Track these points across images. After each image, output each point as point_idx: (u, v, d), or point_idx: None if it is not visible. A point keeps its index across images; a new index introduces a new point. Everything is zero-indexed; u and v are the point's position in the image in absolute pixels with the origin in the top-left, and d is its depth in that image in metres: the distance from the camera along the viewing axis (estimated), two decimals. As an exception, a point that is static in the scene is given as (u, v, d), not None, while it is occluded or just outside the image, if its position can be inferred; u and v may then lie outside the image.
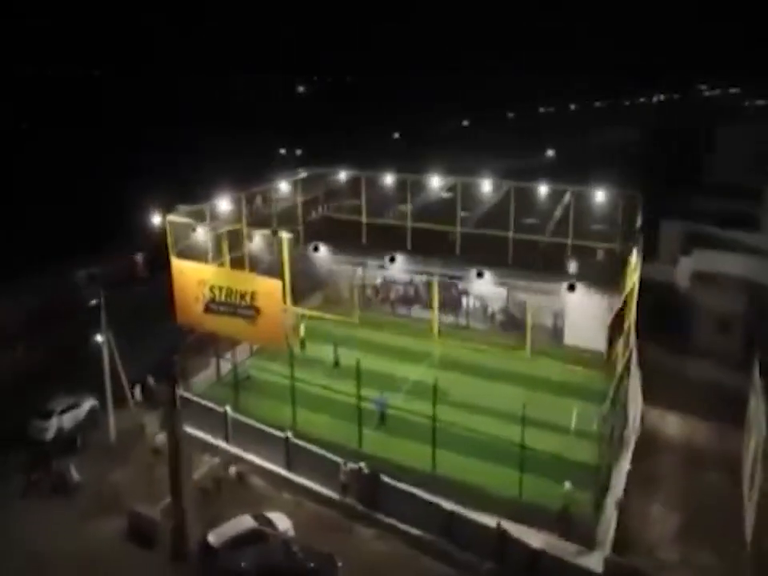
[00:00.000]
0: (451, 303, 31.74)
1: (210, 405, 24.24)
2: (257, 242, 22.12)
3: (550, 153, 59.06)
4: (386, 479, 20.37)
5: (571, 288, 18.18)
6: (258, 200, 28.67)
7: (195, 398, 24.72)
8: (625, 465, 20.76)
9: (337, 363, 27.77)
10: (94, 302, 31.88)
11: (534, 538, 18.28)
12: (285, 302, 21.47)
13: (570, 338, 28.95)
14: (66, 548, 19.19)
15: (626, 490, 20.40)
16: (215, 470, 22.75)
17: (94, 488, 21.93)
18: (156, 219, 22.43)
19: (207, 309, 23.27)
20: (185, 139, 51.54)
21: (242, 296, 22.11)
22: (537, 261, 28.67)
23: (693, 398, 25.59)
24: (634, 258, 21.74)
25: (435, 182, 31.32)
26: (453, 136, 66.76)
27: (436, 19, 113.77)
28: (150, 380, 27.06)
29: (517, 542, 17.83)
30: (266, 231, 21.83)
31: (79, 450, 23.99)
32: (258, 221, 27.24)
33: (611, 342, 16.93)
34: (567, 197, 29.48)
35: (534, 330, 28.13)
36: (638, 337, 29.64)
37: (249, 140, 51.20)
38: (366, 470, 20.57)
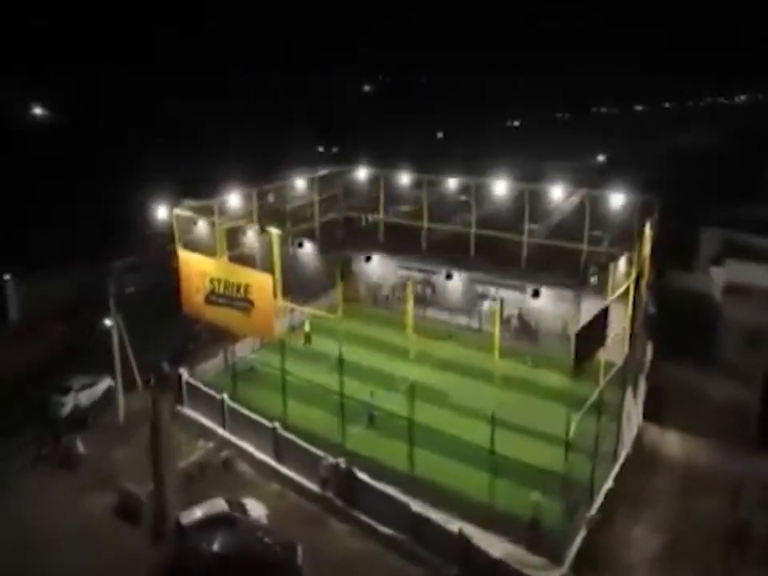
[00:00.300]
0: (468, 306, 31.32)
1: (211, 392, 25.13)
2: (250, 237, 22.73)
3: (601, 157, 56.83)
4: (362, 476, 20.46)
5: (536, 294, 17.46)
6: (271, 197, 29.31)
7: (199, 385, 25.74)
8: (608, 481, 19.83)
9: (341, 359, 28.03)
10: (130, 289, 34.09)
11: (498, 547, 17.89)
12: (276, 297, 21.79)
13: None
14: (61, 519, 20.43)
15: (609, 508, 19.53)
16: (208, 455, 23.53)
17: (97, 464, 23.22)
18: (163, 212, 23.43)
19: (207, 300, 24.10)
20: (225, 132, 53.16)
21: (238, 288, 22.78)
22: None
23: (706, 418, 24.12)
24: (623, 264, 20.73)
25: (453, 183, 30.93)
26: (504, 137, 65.44)
27: (497, 19, 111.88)
28: (165, 365, 28.36)
29: (478, 550, 17.45)
30: (256, 227, 22.33)
31: (90, 426, 25.51)
32: (270, 217, 27.90)
33: (581, 350, 16.16)
34: (573, 201, 28.36)
35: (546, 338, 27.38)
36: (657, 350, 28.40)
37: (288, 136, 52.31)
38: (343, 466, 20.72)
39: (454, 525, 18.42)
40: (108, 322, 24.05)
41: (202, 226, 23.76)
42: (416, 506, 19.11)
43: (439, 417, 23.91)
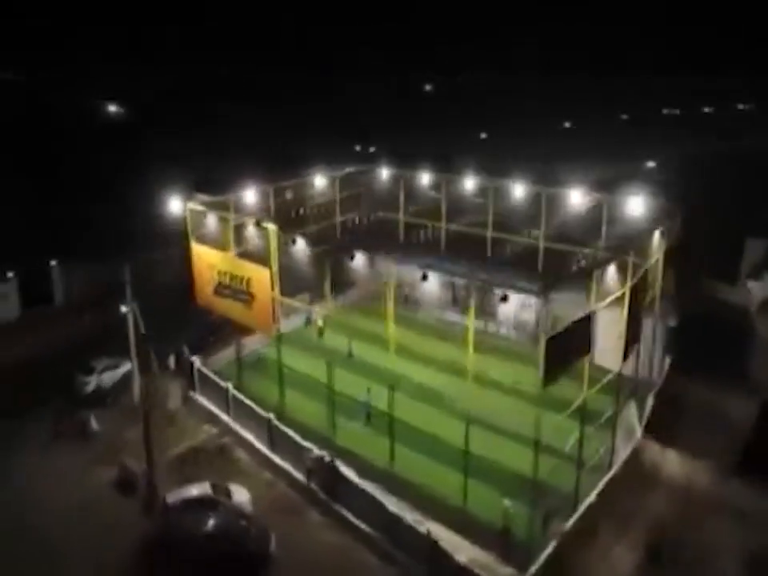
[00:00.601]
0: (489, 309, 30.80)
1: (218, 380, 26.01)
2: (251, 232, 23.34)
3: (650, 164, 54.15)
4: (344, 471, 20.68)
5: (504, 299, 16.92)
6: (288, 194, 29.87)
7: (208, 373, 26.69)
8: (591, 495, 19.10)
9: (350, 354, 28.40)
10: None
11: (469, 552, 17.67)
12: (273, 290, 22.29)
13: (599, 358, 26.87)
14: (67, 487, 21.73)
15: (593, 523, 18.84)
16: (208, 440, 24.40)
17: (108, 440, 24.56)
18: (177, 206, 24.43)
19: (216, 291, 24.98)
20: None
21: (241, 281, 23.49)
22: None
23: (716, 438, 22.74)
24: (612, 271, 19.84)
25: (469, 184, 30.48)
26: (549, 139, 63.47)
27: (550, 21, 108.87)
28: (185, 352, 29.57)
29: (445, 554, 17.28)
30: (258, 222, 22.83)
31: (109, 405, 27.00)
32: (286, 215, 28.55)
33: (553, 358, 15.57)
34: (588, 204, 27.28)
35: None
36: (679, 365, 27.03)
37: (326, 134, 53.00)
38: (327, 459, 20.99)
39: (426, 526, 18.35)
40: (124, 309, 25.31)
41: (212, 221, 24.58)
42: (392, 504, 19.13)
43: (432, 418, 23.87)
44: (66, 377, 27.42)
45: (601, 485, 19.50)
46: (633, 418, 22.82)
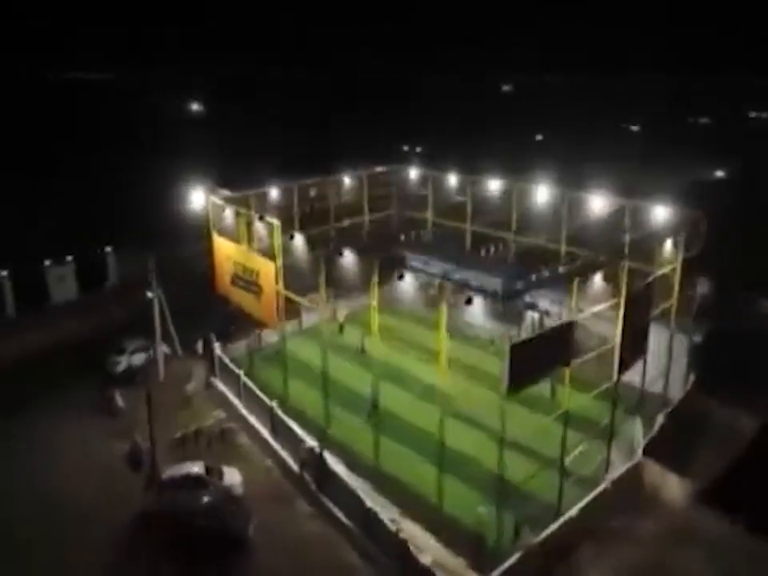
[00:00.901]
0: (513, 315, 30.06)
1: (233, 367, 27.01)
2: (259, 228, 23.96)
3: (720, 173, 50.43)
4: (332, 463, 20.96)
5: (468, 302, 16.34)
6: (312, 192, 30.39)
7: (226, 360, 27.76)
8: (574, 509, 18.30)
9: (363, 350, 28.62)
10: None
11: (440, 554, 17.48)
12: (277, 284, 22.89)
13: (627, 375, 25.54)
14: (85, 457, 23.43)
15: (573, 539, 18.08)
16: (215, 423, 25.39)
17: (130, 416, 26.14)
18: (200, 199, 25.56)
19: (232, 282, 25.94)
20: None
21: (251, 273, 24.29)
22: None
23: (725, 464, 21.09)
24: (598, 279, 18.81)
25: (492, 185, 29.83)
26: (619, 143, 60.45)
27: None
28: (212, 337, 30.88)
29: (411, 554, 17.17)
30: (261, 217, 23.41)
31: (137, 384, 28.65)
32: (309, 213, 29.16)
33: (518, 368, 15.00)
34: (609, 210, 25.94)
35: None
36: (704, 383, 25.28)
37: (374, 132, 53.16)
38: (317, 450, 21.34)
39: (399, 525, 18.32)
40: (150, 294, 26.80)
41: (230, 215, 25.55)
42: (370, 500, 19.21)
43: (431, 418, 23.58)
44: (101, 356, 29.43)
45: (587, 499, 18.60)
46: (637, 433, 21.62)
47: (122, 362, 29.44)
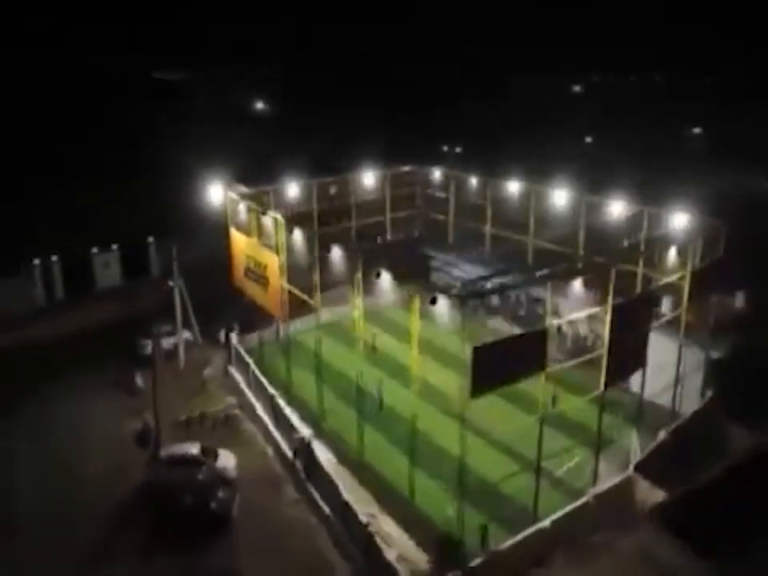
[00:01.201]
0: (529, 317, 29.61)
1: (245, 356, 28.02)
2: (267, 223, 24.58)
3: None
4: (319, 454, 21.44)
5: (432, 302, 16.04)
6: (332, 190, 30.87)
7: (240, 350, 28.81)
8: (550, 518, 17.89)
9: (374, 348, 28.94)
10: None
11: (410, 551, 17.59)
12: (280, 278, 23.57)
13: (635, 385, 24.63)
14: (100, 432, 25.01)
15: (547, 549, 17.71)
16: (223, 408, 26.42)
17: (148, 396, 27.63)
18: (218, 194, 26.65)
19: (245, 274, 26.90)
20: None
21: (260, 266, 25.12)
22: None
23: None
24: (578, 288, 18.10)
25: (513, 187, 29.32)
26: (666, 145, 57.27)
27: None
28: (235, 328, 32.09)
29: (377, 547, 17.39)
30: (264, 212, 24.03)
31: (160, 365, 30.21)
32: (327, 210, 29.76)
33: (481, 372, 14.79)
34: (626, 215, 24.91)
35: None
36: (723, 404, 23.96)
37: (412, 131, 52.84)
38: (306, 440, 21.89)
39: (374, 519, 18.55)
40: (170, 283, 28.22)
41: (242, 210, 26.48)
42: (350, 493, 19.53)
43: (429, 419, 23.59)
44: (131, 339, 31.25)
45: (564, 511, 18.13)
46: (633, 445, 20.83)
47: (149, 345, 31.06)
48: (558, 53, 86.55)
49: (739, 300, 30.24)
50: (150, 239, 40.96)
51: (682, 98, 70.05)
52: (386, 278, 17.69)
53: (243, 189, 27.18)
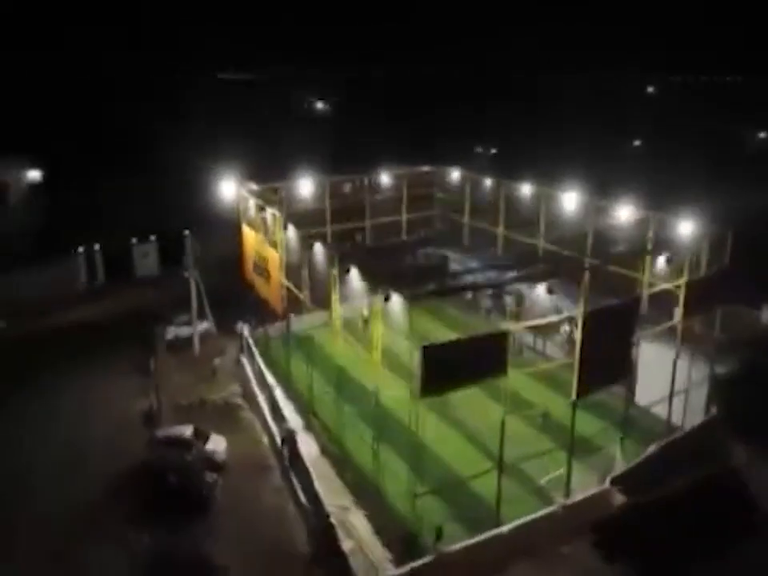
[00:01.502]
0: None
1: (253, 348, 28.94)
2: (268, 217, 25.16)
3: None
4: (303, 444, 21.95)
5: (386, 299, 15.82)
6: (347, 188, 31.21)
7: (250, 341, 29.75)
8: (510, 525, 17.58)
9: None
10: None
11: (369, 543, 17.79)
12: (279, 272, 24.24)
13: (642, 398, 23.69)
14: (111, 409, 26.57)
15: (507, 556, 17.43)
16: (229, 396, 27.45)
17: (160, 379, 29.09)
18: (231, 191, 27.66)
19: (254, 268, 27.81)
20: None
21: (264, 261, 25.92)
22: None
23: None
24: (542, 290, 17.46)
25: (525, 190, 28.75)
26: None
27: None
28: (251, 320, 33.17)
29: (334, 537, 17.69)
30: (263, 207, 24.64)
31: (179, 352, 31.72)
32: (344, 208, 30.26)
33: (431, 372, 14.65)
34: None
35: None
36: (727, 422, 22.71)
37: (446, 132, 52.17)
38: (291, 430, 22.46)
39: (341, 510, 18.85)
40: (186, 274, 29.54)
41: (251, 207, 27.34)
42: (323, 484, 19.90)
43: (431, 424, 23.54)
44: (153, 326, 32.94)
45: (524, 520, 17.75)
46: (617, 457, 20.11)
47: (170, 333, 32.69)
48: (612, 53, 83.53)
49: (766, 315, 28.54)
50: (186, 232, 42.80)
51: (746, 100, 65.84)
52: (354, 276, 17.86)
53: (253, 185, 28.02)
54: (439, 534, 16.97)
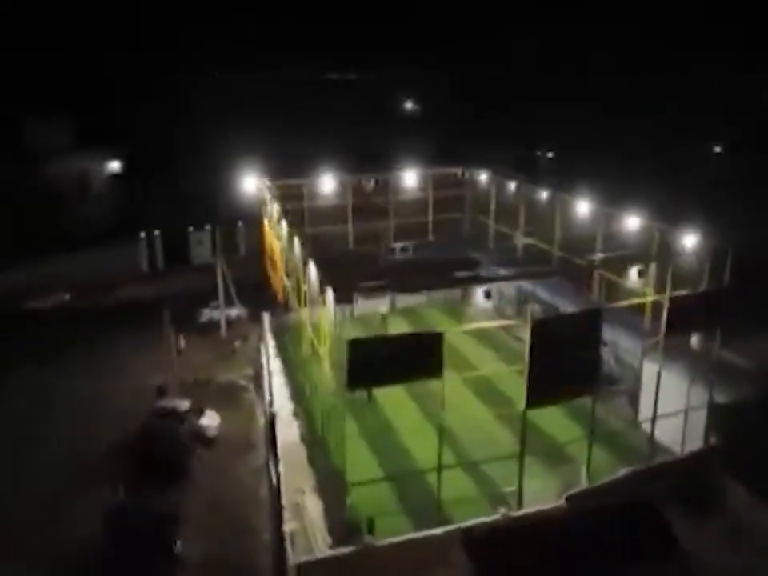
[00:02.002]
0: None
1: (268, 333, 30.12)
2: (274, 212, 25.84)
3: None
4: (282, 428, 22.65)
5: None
6: (370, 186, 31.28)
7: (266, 327, 30.96)
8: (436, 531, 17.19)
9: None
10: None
11: (311, 526, 18.12)
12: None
13: (645, 417, 22.24)
14: (133, 382, 28.48)
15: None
16: (238, 377, 28.83)
17: (186, 357, 31.04)
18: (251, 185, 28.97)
19: (269, 261, 28.98)
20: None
21: (273, 252, 26.95)
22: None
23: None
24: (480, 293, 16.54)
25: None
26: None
27: None
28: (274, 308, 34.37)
29: (280, 520, 18.16)
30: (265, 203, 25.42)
31: (210, 334, 33.67)
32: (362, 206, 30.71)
33: (355, 368, 14.54)
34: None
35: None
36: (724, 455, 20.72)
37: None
38: (273, 413, 23.23)
39: (299, 494, 19.30)
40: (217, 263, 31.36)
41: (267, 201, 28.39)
42: (287, 467, 20.44)
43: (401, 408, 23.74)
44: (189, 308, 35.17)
45: (469, 523, 17.25)
46: (582, 474, 19.04)
47: (205, 316, 34.79)
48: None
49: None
50: (240, 223, 45.24)
51: None
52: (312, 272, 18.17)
53: (273, 181, 29.12)
54: (371, 526, 16.96)
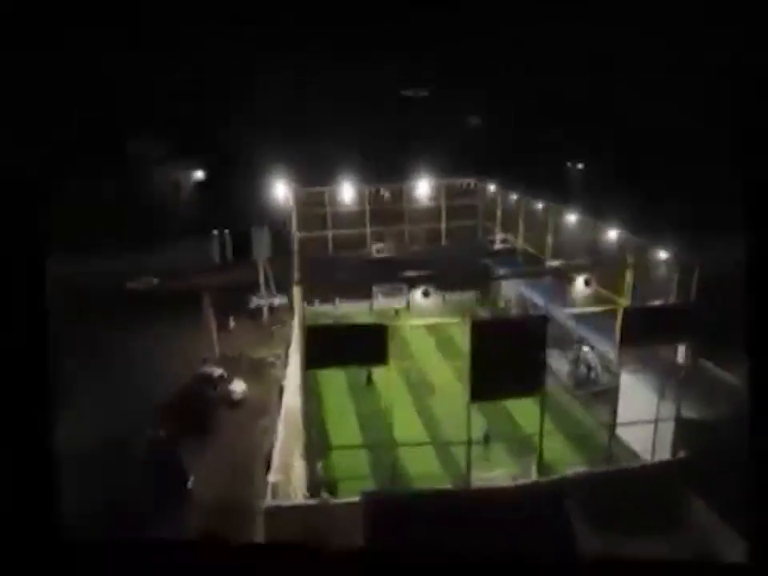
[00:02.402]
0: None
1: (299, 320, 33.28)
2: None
3: None
4: (287, 399, 25.65)
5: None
6: (387, 194, 33.37)
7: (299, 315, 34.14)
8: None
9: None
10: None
11: (293, 480, 20.92)
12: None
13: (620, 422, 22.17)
14: (180, 355, 32.53)
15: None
16: (269, 355, 32.33)
17: (234, 336, 34.96)
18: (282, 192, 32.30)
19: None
20: None
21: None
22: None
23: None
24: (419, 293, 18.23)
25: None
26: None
27: None
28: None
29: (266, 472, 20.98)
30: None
31: (256, 318, 37.58)
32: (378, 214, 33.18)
33: (313, 350, 17.01)
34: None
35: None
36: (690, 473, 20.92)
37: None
38: (282, 386, 26.33)
39: (283, 449, 22.16)
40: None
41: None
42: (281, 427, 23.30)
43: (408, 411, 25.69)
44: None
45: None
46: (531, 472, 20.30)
47: (254, 302, 38.83)
48: None
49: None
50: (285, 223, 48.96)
51: None
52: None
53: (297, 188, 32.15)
54: (333, 488, 19.40)
